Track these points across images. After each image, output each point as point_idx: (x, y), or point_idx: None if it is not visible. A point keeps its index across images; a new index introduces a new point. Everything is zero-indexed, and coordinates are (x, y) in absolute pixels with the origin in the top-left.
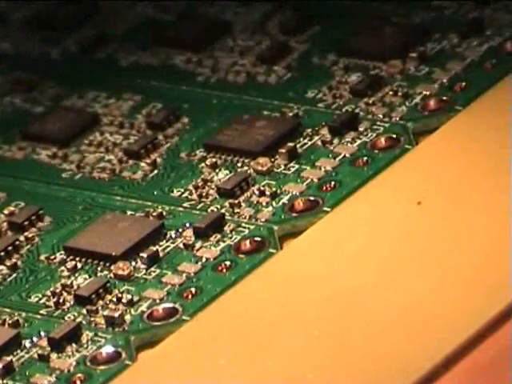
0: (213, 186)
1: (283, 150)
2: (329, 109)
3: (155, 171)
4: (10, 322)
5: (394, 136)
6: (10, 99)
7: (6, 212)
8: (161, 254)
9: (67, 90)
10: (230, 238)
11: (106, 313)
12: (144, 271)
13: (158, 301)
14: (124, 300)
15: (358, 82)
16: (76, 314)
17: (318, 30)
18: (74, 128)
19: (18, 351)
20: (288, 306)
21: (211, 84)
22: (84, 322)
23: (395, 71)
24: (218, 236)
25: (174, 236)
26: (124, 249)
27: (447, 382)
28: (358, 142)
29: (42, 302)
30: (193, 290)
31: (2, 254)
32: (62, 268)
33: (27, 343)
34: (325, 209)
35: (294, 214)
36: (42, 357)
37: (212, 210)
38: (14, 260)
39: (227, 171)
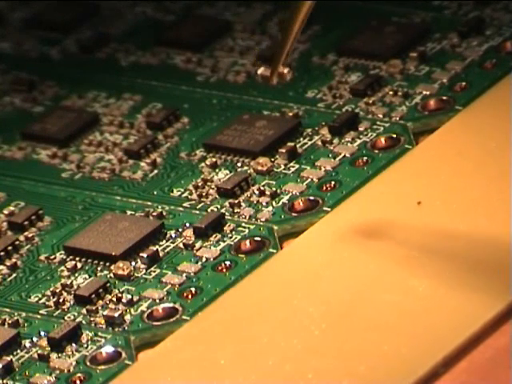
0: (213, 186)
1: (283, 150)
2: (329, 109)
3: (155, 171)
4: (10, 321)
5: (394, 136)
6: (9, 99)
7: (5, 212)
8: (161, 254)
9: (67, 89)
10: (230, 237)
11: (105, 313)
12: (144, 271)
13: (157, 301)
14: (124, 300)
15: (357, 81)
16: (76, 313)
17: (318, 30)
18: (74, 128)
19: (18, 351)
20: (288, 305)
21: (211, 84)
22: (84, 322)
23: (395, 71)
24: (218, 236)
25: (173, 236)
26: (124, 249)
27: (447, 381)
28: (358, 141)
29: (41, 301)
30: (193, 289)
31: (2, 253)
32: (62, 268)
33: (27, 343)
34: (325, 209)
35: (294, 214)
36: (42, 357)
37: (212, 210)
38: (13, 260)
39: (227, 171)
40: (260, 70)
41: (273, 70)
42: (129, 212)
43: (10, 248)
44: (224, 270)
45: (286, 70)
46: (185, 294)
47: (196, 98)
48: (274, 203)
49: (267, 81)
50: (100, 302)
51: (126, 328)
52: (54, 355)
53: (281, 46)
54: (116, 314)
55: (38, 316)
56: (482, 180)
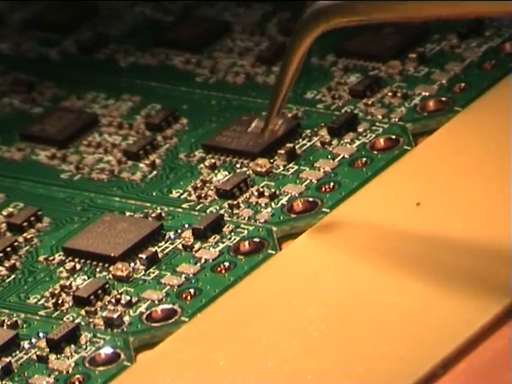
0: (212, 187)
1: (282, 151)
2: (328, 110)
3: (154, 172)
4: (9, 323)
5: (393, 137)
6: (8, 100)
7: (4, 213)
8: (160, 255)
9: (66, 90)
10: (229, 239)
11: (104, 314)
12: (143, 272)
13: (156, 302)
14: (123, 301)
15: (357, 82)
16: (75, 315)
17: None
18: (73, 129)
19: (17, 352)
20: (287, 306)
21: (210, 85)
22: (83, 323)
23: (394, 72)
24: (217, 237)
25: (172, 237)
26: (123, 250)
27: (446, 383)
28: (357, 142)
29: (40, 303)
30: (192, 291)
31: (1, 254)
32: (61, 269)
33: (26, 344)
34: (324, 210)
35: (293, 215)
36: (41, 358)
37: (211, 211)
38: (12, 261)
39: (226, 172)
40: (253, 124)
41: (265, 125)
42: (128, 213)
43: (8, 249)
44: (223, 271)
45: (279, 122)
46: (184, 296)
47: (195, 99)
48: (272, 204)
49: (260, 135)
50: (99, 304)
51: (125, 329)
52: (52, 356)
53: (272, 101)
54: (115, 315)
55: (37, 317)
56: (481, 181)
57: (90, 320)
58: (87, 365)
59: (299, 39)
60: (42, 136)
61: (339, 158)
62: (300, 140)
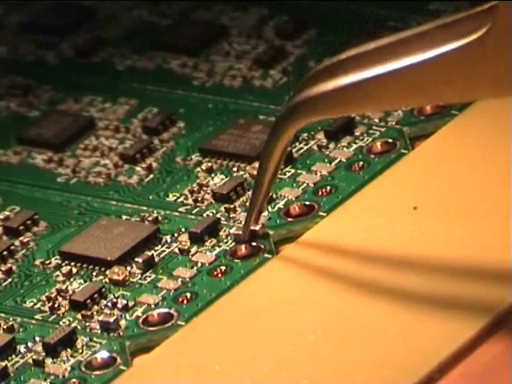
0: (208, 191)
1: None
2: None
3: (151, 176)
4: (5, 327)
5: (390, 141)
6: (5, 103)
7: (1, 217)
8: (156, 259)
9: (63, 94)
10: (226, 242)
11: (101, 318)
12: (139, 276)
13: (153, 306)
14: (119, 305)
15: None
16: (71, 319)
17: (314, 34)
18: (70, 132)
19: (13, 356)
20: (283, 311)
21: (207, 88)
22: (79, 327)
23: None
24: (214, 241)
25: (169, 241)
26: (119, 254)
27: None
28: (354, 146)
29: (36, 306)
30: (188, 295)
31: None
32: (57, 273)
33: (22, 348)
34: (320, 214)
35: (290, 219)
36: (37, 362)
37: (207, 215)
38: (9, 265)
39: (223, 176)
40: (232, 231)
41: (246, 227)
42: (124, 217)
43: (5, 253)
44: (219, 275)
45: (257, 228)
46: (180, 300)
47: (192, 102)
48: (269, 208)
49: (241, 238)
50: (95, 307)
51: (121, 333)
52: (48, 360)
53: (252, 202)
54: (111, 320)
55: (33, 321)
56: (479, 184)
57: (87, 324)
58: (83, 369)
59: (277, 136)
60: (38, 139)
61: (336, 161)
62: (297, 143)
